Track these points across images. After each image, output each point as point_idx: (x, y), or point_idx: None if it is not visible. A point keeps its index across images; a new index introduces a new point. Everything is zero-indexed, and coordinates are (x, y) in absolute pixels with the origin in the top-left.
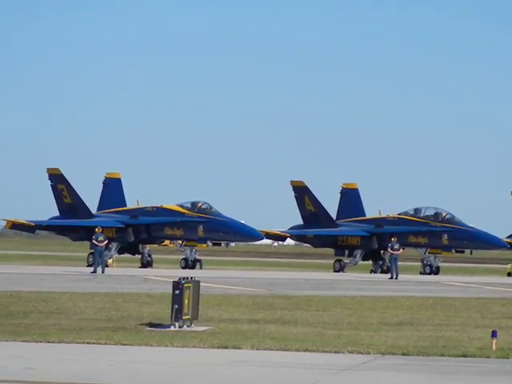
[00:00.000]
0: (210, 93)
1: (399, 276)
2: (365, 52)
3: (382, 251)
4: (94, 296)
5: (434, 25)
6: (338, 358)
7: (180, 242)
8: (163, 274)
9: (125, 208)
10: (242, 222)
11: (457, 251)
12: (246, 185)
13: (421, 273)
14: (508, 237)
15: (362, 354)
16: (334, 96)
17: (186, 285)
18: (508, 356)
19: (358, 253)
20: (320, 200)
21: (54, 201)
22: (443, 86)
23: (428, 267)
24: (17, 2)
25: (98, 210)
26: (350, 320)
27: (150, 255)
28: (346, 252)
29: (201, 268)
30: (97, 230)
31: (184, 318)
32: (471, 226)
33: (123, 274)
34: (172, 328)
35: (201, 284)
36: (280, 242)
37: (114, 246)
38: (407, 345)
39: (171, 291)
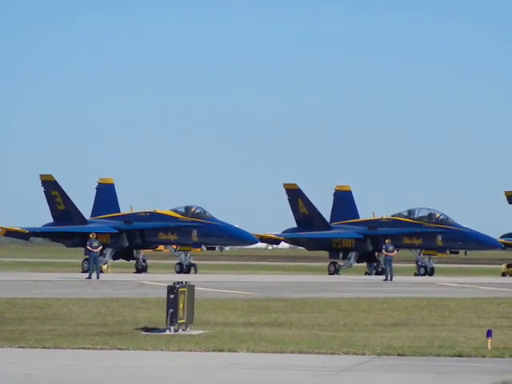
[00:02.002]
0: (202, 97)
1: (394, 277)
2: (357, 55)
3: (376, 253)
4: (89, 302)
5: (425, 28)
6: (334, 360)
7: (174, 246)
8: (158, 279)
9: (119, 213)
10: (236, 225)
11: (451, 252)
12: (239, 189)
13: (415, 274)
14: (502, 237)
15: (357, 355)
16: (327, 99)
17: (180, 289)
18: (503, 355)
19: (353, 255)
20: (313, 202)
21: (48, 207)
22: (436, 88)
23: (422, 268)
24: (14, 3)
25: (92, 215)
26: (346, 321)
27: (144, 260)
28: (341, 254)
29: (195, 272)
30: (91, 235)
31: (179, 322)
32: (465, 226)
33: (118, 279)
34: (167, 332)
35: (196, 288)
36: (274, 246)
37: (108, 251)
38: (403, 345)
39: (166, 296)
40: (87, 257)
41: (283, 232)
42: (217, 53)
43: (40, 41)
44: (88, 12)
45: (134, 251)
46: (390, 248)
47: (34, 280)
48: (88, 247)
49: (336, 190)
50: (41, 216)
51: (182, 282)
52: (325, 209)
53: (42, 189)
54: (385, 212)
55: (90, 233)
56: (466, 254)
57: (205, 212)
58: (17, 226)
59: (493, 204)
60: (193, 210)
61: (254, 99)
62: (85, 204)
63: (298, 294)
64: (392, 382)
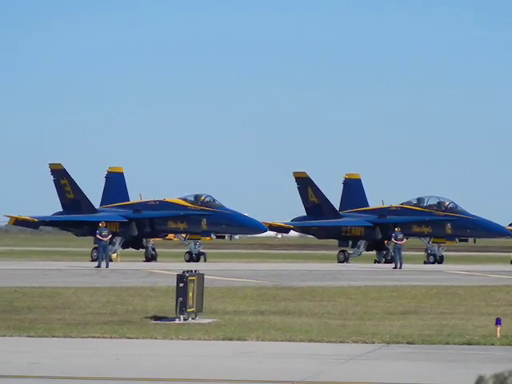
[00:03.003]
0: (211, 86)
1: (403, 266)
2: (367, 44)
3: (385, 241)
4: (99, 290)
5: (431, 20)
6: (343, 348)
7: (184, 235)
8: (167, 268)
9: (128, 202)
10: (246, 214)
11: (460, 240)
12: (248, 177)
13: (425, 262)
14: (510, 225)
15: (366, 343)
16: (336, 87)
17: (190, 278)
18: None
19: (362, 243)
20: (323, 191)
21: (57, 196)
22: (444, 76)
23: (432, 256)
24: (17, 2)
25: (101, 204)
26: (355, 310)
27: (154, 249)
28: (350, 243)
29: (205, 261)
30: (100, 224)
31: (188, 310)
32: (474, 214)
33: (127, 268)
34: (177, 321)
35: (205, 277)
36: (284, 234)
37: (117, 240)
38: (412, 334)
39: (175, 284)
40: (96, 245)
41: (292, 220)
42: (226, 39)
43: (47, 28)
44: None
45: (144, 240)
46: (400, 236)
47: (43, 269)
48: (97, 236)
49: (345, 179)
50: (50, 205)
51: (191, 271)
52: (334, 197)
53: (52, 178)
54: (394, 200)
55: (100, 222)
56: (475, 241)
57: (214, 200)
58: (26, 215)
59: (502, 192)
60: (202, 198)
61: (263, 88)
62: (94, 193)
63: (308, 283)
64: (401, 371)
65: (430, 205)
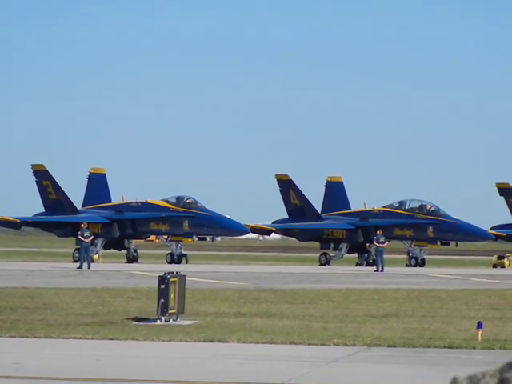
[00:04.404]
0: (194, 88)
1: (385, 269)
2: (349, 47)
3: (367, 244)
4: (80, 291)
5: (419, 21)
6: (325, 351)
7: (166, 236)
8: (149, 269)
9: (110, 203)
10: (228, 216)
11: (442, 243)
12: (230, 179)
13: (406, 265)
14: (492, 228)
15: (348, 346)
16: (318, 89)
17: (171, 279)
18: (493, 347)
19: (344, 246)
20: (305, 193)
21: (39, 197)
22: (427, 79)
23: (414, 259)
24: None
25: (83, 205)
26: (336, 313)
27: (135, 250)
28: (332, 245)
29: (187, 262)
30: (82, 225)
31: (170, 312)
32: (456, 218)
33: (109, 269)
34: (158, 322)
35: (187, 278)
36: (265, 236)
37: (99, 241)
38: (393, 337)
39: (157, 286)
40: (78, 246)
41: (274, 222)
42: (209, 43)
43: (34, 34)
44: (86, 5)
45: (126, 241)
46: (382, 239)
47: (25, 269)
48: (79, 237)
49: (327, 181)
50: (32, 206)
51: (173, 272)
52: (316, 200)
53: (34, 178)
54: (376, 203)
55: (82, 223)
56: (457, 245)
57: (196, 202)
58: (8, 215)
59: (484, 196)
60: (184, 200)
61: (245, 90)
62: (76, 194)
63: (289, 285)
64: (382, 373)
65: (412, 208)
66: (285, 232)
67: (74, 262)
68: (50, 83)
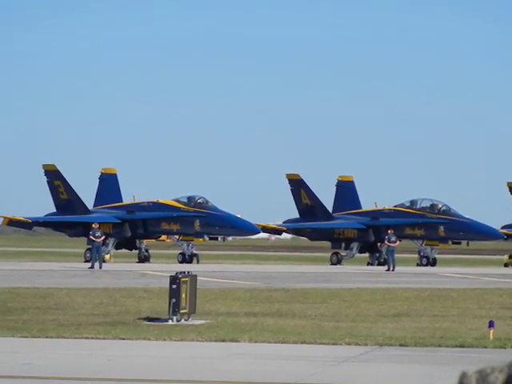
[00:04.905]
0: (204, 88)
1: (396, 268)
2: (359, 46)
3: (378, 243)
4: (92, 291)
5: (424, 21)
6: (336, 350)
7: (177, 236)
8: (160, 269)
9: (121, 203)
10: (239, 216)
11: (453, 242)
12: (241, 179)
13: (417, 264)
14: (503, 227)
15: (359, 345)
16: (330, 89)
17: (183, 279)
18: (505, 346)
19: (355, 245)
20: (316, 193)
21: (51, 197)
22: (438, 78)
23: (425, 259)
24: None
25: (95, 205)
26: (348, 312)
27: (147, 250)
28: (343, 245)
29: (198, 262)
30: (94, 225)
31: (181, 311)
32: (467, 217)
33: (121, 269)
34: (170, 322)
35: (198, 278)
36: (277, 236)
37: (111, 241)
38: (405, 336)
39: (168, 286)
40: (90, 246)
41: (285, 222)
42: (218, 41)
43: (41, 29)
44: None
45: (137, 241)
46: (393, 238)
47: (36, 270)
48: (91, 237)
49: (338, 181)
50: (43, 206)
51: (184, 272)
52: (327, 199)
53: (45, 178)
54: (387, 203)
55: (93, 223)
56: (468, 244)
57: (207, 202)
58: (20, 215)
59: (495, 195)
60: (195, 200)
61: (257, 90)
62: (87, 194)
63: (301, 285)
64: (394, 373)
65: (423, 207)
66: (296, 232)
67: (86, 261)
68: (62, 84)
